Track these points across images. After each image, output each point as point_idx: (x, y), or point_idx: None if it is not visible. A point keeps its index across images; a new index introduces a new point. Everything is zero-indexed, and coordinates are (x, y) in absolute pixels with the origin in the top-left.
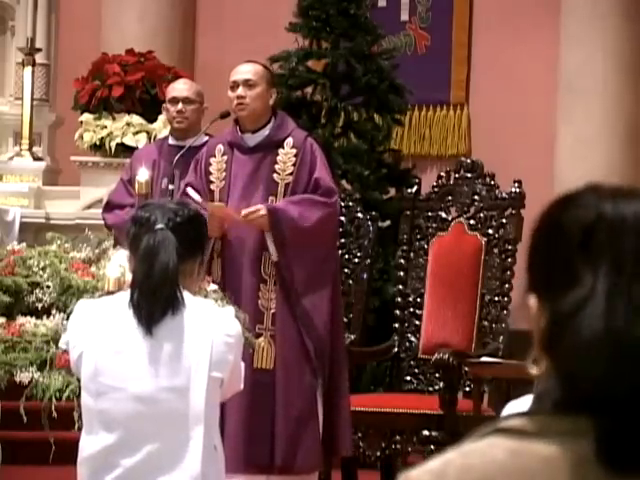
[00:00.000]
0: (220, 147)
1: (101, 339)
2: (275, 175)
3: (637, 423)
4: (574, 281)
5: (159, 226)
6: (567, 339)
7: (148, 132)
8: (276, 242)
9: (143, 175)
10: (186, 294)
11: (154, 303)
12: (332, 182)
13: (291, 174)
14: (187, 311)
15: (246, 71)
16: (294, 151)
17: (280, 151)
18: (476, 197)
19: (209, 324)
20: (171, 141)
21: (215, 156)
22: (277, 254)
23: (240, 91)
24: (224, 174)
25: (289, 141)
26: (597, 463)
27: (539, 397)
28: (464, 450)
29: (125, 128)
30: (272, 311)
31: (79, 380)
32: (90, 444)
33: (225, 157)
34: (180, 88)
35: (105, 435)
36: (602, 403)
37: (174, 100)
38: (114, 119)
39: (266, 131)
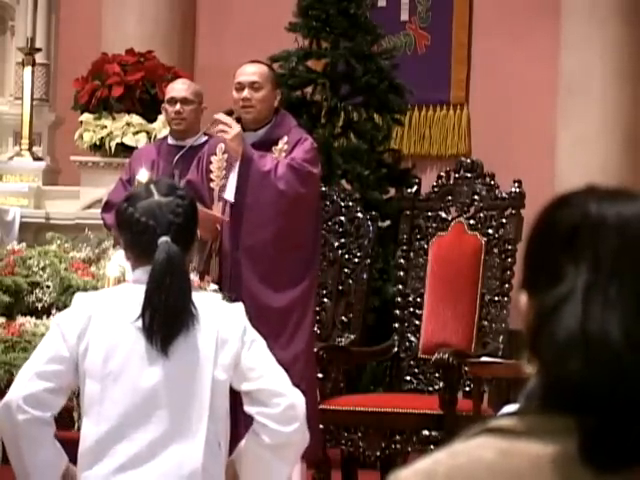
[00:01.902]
0: (221, 145)
1: (107, 328)
2: None
3: (617, 422)
4: (558, 279)
5: (163, 239)
6: (546, 337)
7: (148, 132)
8: (240, 181)
9: (143, 175)
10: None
11: (172, 328)
12: (310, 162)
13: None
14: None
15: (252, 72)
16: (286, 147)
17: (274, 148)
18: (476, 197)
19: (215, 316)
20: (170, 141)
21: (216, 154)
22: (234, 195)
23: (246, 93)
24: (224, 172)
25: (284, 139)
26: (581, 461)
27: (528, 396)
28: (453, 450)
29: (125, 128)
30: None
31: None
32: (92, 433)
33: (226, 155)
34: (178, 88)
35: (107, 423)
36: (582, 403)
37: (172, 101)
38: (114, 119)
39: (266, 129)
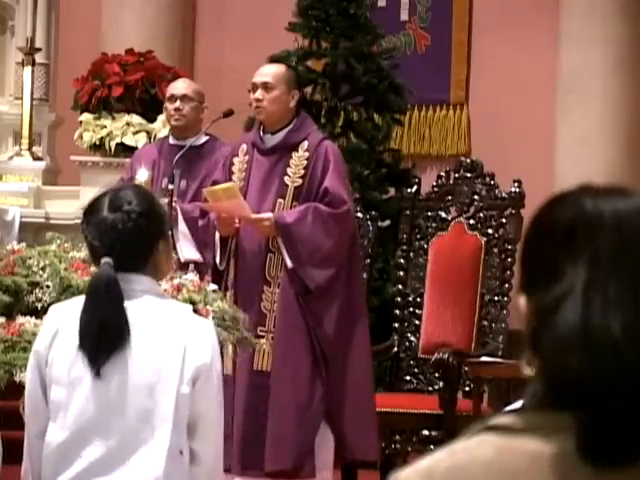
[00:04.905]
0: (244, 147)
1: (72, 336)
2: (286, 178)
3: (617, 418)
4: (557, 277)
5: (103, 261)
6: (546, 335)
7: (148, 132)
8: (291, 257)
9: (143, 175)
10: (158, 300)
11: (97, 352)
12: (344, 191)
13: (301, 177)
14: (159, 314)
15: (265, 74)
16: (307, 154)
17: (294, 154)
18: (476, 197)
19: (183, 330)
20: (171, 141)
21: (238, 155)
22: (291, 263)
23: (258, 94)
24: (244, 174)
25: (304, 144)
26: (580, 458)
27: (530, 395)
28: (453, 449)
29: (125, 128)
30: (275, 313)
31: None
32: (56, 437)
33: (247, 157)
34: (179, 86)
35: (70, 429)
36: (581, 398)
37: (172, 98)
38: (114, 119)
39: (284, 133)
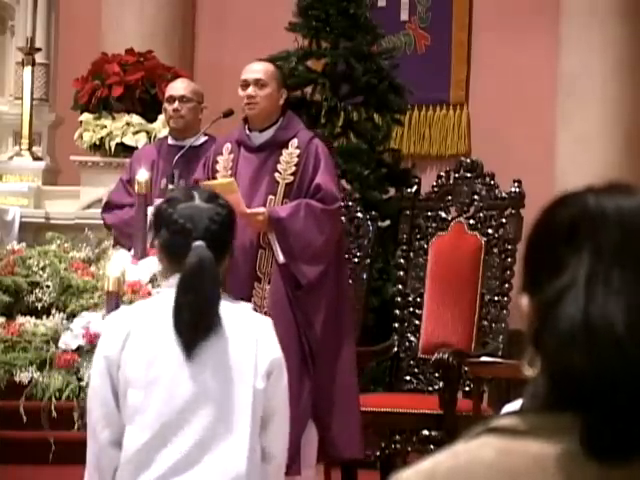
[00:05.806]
0: (228, 145)
1: (146, 338)
2: (277, 174)
3: (621, 414)
4: (560, 271)
5: (197, 243)
6: (548, 330)
7: (148, 132)
8: (283, 251)
9: (143, 175)
10: (223, 301)
11: (197, 331)
12: (335, 188)
13: (292, 174)
14: (229, 315)
15: (257, 70)
16: (297, 151)
17: (284, 151)
18: (476, 197)
19: (252, 326)
20: (170, 141)
21: (222, 154)
22: (283, 257)
23: (250, 90)
24: (230, 172)
25: (294, 141)
26: (585, 458)
27: (532, 395)
28: (455, 450)
29: (125, 128)
30: (265, 310)
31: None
32: (134, 441)
33: (232, 155)
34: (177, 87)
35: (149, 431)
36: (585, 394)
37: (171, 99)
38: (114, 119)
39: (272, 131)
